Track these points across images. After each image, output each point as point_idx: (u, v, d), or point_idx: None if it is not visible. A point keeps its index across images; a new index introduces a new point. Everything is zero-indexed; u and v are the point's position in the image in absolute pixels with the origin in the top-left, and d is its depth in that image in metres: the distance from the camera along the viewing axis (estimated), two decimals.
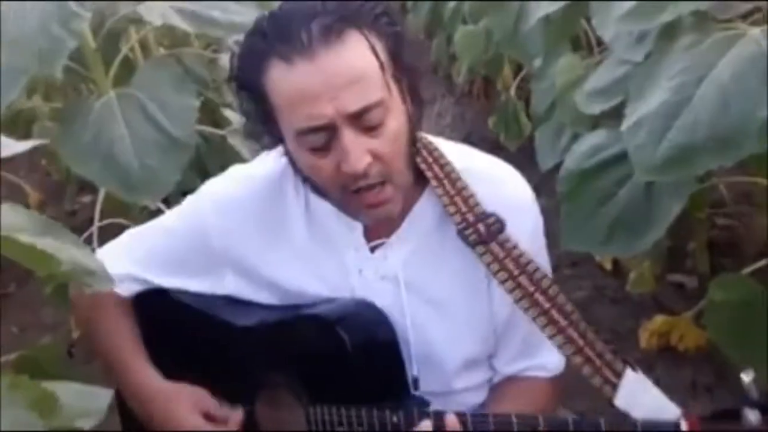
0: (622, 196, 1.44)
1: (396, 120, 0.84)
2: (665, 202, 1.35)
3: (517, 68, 3.33)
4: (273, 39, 0.82)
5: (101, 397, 0.65)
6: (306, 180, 0.90)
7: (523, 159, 3.02)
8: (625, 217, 1.43)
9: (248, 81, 0.86)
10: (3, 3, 1.63)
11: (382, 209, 0.87)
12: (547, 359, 0.98)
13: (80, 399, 0.64)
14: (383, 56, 0.83)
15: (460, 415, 0.84)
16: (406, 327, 0.92)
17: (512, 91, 3.33)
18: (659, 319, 1.72)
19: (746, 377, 0.72)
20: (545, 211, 0.99)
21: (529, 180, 1.00)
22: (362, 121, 0.82)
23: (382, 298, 0.93)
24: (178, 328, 1.04)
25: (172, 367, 1.02)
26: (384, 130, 0.83)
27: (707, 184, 1.66)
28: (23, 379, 0.56)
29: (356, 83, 0.80)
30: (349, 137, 0.81)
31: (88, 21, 1.67)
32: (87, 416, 0.61)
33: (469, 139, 3.51)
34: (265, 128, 0.89)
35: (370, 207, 0.86)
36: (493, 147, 3.38)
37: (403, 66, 0.86)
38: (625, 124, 1.29)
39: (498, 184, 0.94)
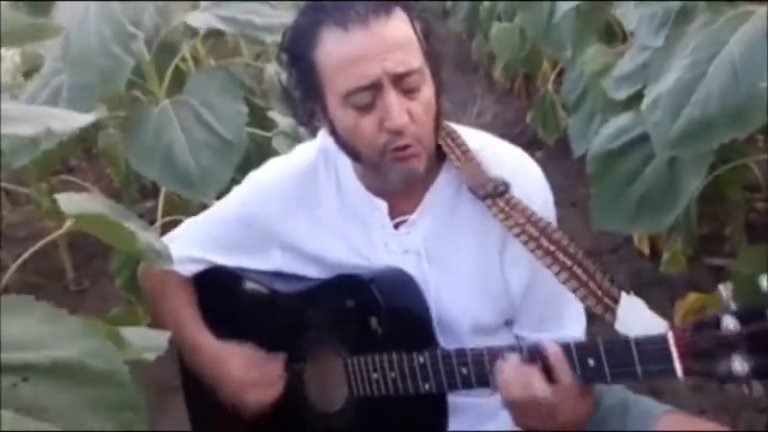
0: (648, 173, 1.50)
1: (428, 90, 0.97)
2: (686, 178, 1.40)
3: (556, 63, 3.36)
4: (330, 10, 0.95)
5: (160, 336, 0.75)
6: (344, 146, 1.01)
7: (561, 152, 3.06)
8: (652, 194, 1.48)
9: (300, 50, 0.98)
10: (66, 27, 1.79)
11: (412, 162, 0.98)
12: (568, 332, 1.04)
13: (142, 338, 0.74)
14: (420, 34, 0.97)
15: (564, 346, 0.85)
16: (428, 295, 1.02)
17: (550, 86, 3.37)
18: (692, 297, 1.74)
19: (724, 290, 0.78)
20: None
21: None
22: (404, 83, 0.94)
23: (406, 269, 1.03)
24: (233, 301, 1.17)
25: (228, 334, 1.14)
26: (420, 95, 0.96)
27: (733, 164, 1.69)
28: (92, 320, 0.67)
29: (402, 49, 0.94)
30: (392, 96, 0.94)
31: (143, 38, 1.82)
32: (150, 351, 0.71)
33: (508, 136, 3.56)
34: (307, 97, 1.01)
35: (402, 160, 0.97)
36: (532, 142, 3.43)
37: (430, 49, 0.99)
38: (644, 104, 1.36)
39: (509, 163, 1.04)
